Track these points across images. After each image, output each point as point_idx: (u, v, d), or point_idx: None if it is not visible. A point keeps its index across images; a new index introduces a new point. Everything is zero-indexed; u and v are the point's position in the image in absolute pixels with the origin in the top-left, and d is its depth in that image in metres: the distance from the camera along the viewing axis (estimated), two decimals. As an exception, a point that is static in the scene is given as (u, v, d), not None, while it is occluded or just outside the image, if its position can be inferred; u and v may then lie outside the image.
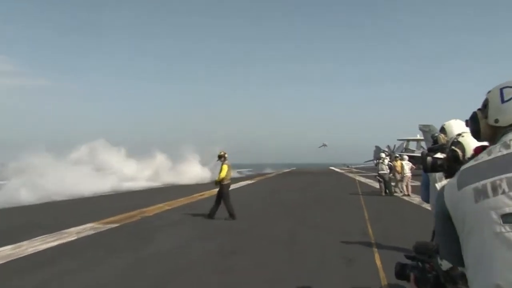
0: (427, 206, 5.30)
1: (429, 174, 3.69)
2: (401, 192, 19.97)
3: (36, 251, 8.01)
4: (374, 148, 67.95)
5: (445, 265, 1.60)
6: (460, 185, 1.30)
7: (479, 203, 1.22)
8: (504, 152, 1.29)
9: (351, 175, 48.51)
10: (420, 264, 1.90)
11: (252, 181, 34.70)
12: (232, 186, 13.66)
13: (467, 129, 1.68)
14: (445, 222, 1.34)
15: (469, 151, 2.27)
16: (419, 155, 25.05)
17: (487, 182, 1.23)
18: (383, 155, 22.04)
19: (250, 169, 69.38)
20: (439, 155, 2.89)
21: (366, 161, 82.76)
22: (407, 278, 1.89)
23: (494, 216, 1.19)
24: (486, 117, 1.45)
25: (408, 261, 1.97)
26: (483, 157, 1.33)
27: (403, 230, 9.64)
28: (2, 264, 7.04)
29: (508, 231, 1.16)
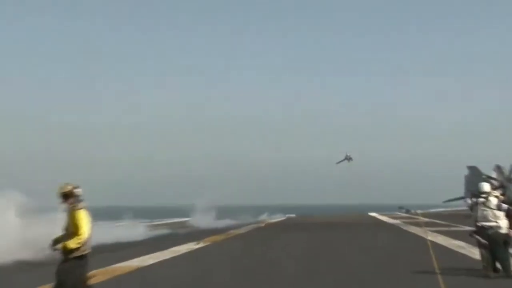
0: None
1: None
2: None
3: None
4: (466, 173, 43.77)
5: None
6: None
7: None
8: None
9: (415, 229, 23.90)
10: None
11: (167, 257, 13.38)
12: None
13: None
14: None
15: None
16: None
17: None
18: (487, 186, 10.08)
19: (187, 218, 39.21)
20: None
21: (447, 200, 54.38)
22: None
23: None
24: None
25: None
26: None
27: None
28: None
29: None
